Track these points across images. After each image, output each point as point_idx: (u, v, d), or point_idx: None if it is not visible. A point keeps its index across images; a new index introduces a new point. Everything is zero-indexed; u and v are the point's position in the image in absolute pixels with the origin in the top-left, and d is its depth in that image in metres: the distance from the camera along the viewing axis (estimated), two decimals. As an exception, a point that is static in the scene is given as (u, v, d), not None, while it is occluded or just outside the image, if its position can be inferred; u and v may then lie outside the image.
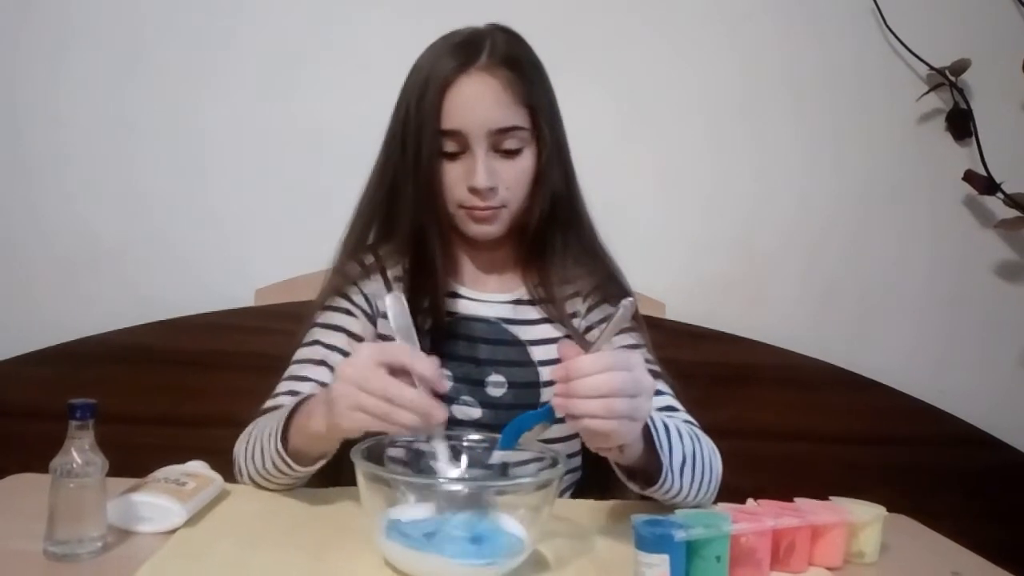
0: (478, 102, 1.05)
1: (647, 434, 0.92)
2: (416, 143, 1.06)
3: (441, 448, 0.90)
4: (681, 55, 1.73)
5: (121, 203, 1.66)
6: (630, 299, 0.87)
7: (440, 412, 0.85)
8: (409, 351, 0.86)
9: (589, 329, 1.17)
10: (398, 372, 0.84)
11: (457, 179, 1.07)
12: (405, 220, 1.10)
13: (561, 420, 0.84)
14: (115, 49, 1.64)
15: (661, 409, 1.07)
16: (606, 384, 0.80)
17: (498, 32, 1.10)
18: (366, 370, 0.83)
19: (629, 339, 1.14)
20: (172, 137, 1.66)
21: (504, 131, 1.06)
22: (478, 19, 1.13)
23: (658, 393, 1.07)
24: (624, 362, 0.82)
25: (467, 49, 1.06)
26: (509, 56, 1.07)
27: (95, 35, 1.64)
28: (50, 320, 1.63)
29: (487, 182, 1.05)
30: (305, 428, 0.93)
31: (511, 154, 1.07)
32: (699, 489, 0.99)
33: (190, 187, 1.67)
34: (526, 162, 1.09)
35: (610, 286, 1.16)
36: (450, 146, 1.06)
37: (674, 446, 0.95)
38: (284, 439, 0.96)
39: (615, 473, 0.98)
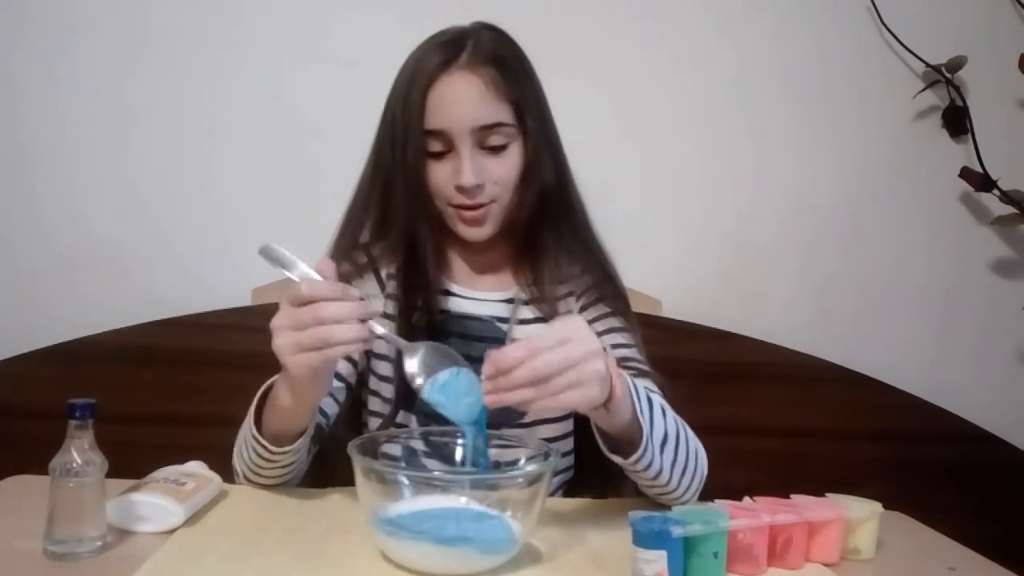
0: (460, 100, 1.05)
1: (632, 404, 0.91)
2: (403, 143, 1.07)
3: (390, 334, 0.92)
4: (677, 51, 1.73)
5: (119, 201, 1.66)
6: None
7: (373, 304, 0.85)
8: (305, 283, 0.86)
9: None
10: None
11: (445, 179, 1.08)
12: (397, 220, 1.11)
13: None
14: (114, 46, 1.64)
15: None
16: (528, 374, 0.78)
17: (483, 30, 1.10)
18: (287, 314, 0.85)
19: (620, 338, 1.14)
20: (171, 135, 1.66)
21: (488, 128, 1.06)
22: (474, 18, 1.13)
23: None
24: (550, 338, 0.80)
25: (449, 48, 1.07)
26: (493, 53, 1.07)
27: (95, 32, 1.64)
28: (48, 319, 1.62)
29: (473, 179, 1.06)
30: (273, 405, 0.95)
31: (497, 150, 1.08)
32: (682, 477, 0.97)
33: (188, 185, 1.67)
34: (513, 158, 1.09)
35: (605, 286, 1.16)
36: (435, 146, 1.07)
37: (656, 421, 0.93)
38: (259, 425, 0.97)
39: (609, 473, 0.97)
